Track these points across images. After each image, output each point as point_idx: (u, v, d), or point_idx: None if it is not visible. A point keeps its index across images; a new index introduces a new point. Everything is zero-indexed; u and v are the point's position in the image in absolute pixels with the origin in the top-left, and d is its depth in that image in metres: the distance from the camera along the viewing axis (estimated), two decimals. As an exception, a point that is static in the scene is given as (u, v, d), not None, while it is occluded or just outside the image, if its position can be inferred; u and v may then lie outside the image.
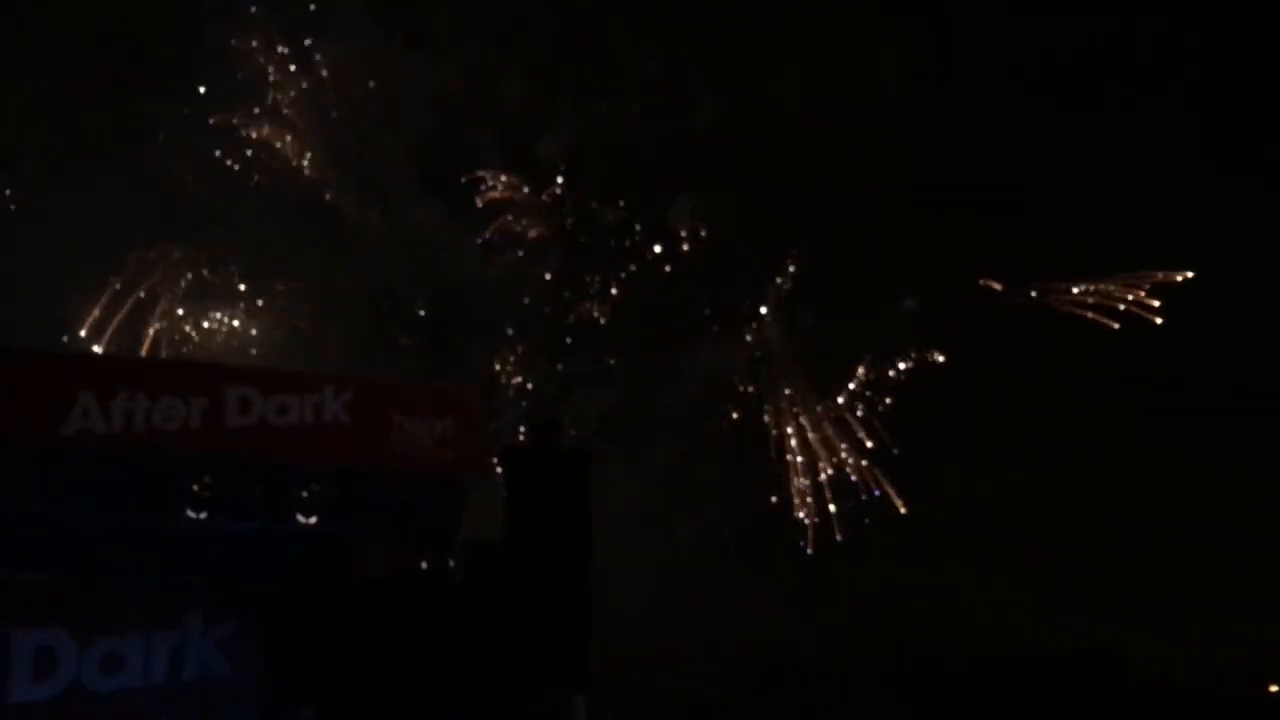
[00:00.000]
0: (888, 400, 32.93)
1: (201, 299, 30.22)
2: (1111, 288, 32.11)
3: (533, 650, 12.66)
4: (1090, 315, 32.21)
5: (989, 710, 24.69)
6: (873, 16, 32.22)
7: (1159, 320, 31.69)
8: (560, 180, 33.10)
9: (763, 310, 33.62)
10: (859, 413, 32.75)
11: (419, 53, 32.69)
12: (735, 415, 33.55)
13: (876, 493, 32.12)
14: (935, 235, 31.76)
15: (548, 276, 33.25)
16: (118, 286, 29.18)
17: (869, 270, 32.63)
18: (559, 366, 32.63)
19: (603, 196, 33.16)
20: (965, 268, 32.86)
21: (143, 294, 29.79)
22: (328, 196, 31.97)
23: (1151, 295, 31.86)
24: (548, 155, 33.12)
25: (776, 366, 33.43)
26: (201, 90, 31.41)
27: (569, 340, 33.30)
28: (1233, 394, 30.56)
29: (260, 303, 30.32)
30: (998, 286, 32.65)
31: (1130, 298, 31.99)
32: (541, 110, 32.85)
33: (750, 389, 33.48)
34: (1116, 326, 31.89)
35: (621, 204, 33.17)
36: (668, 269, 33.59)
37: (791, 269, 33.67)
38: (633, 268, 33.35)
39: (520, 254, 33.19)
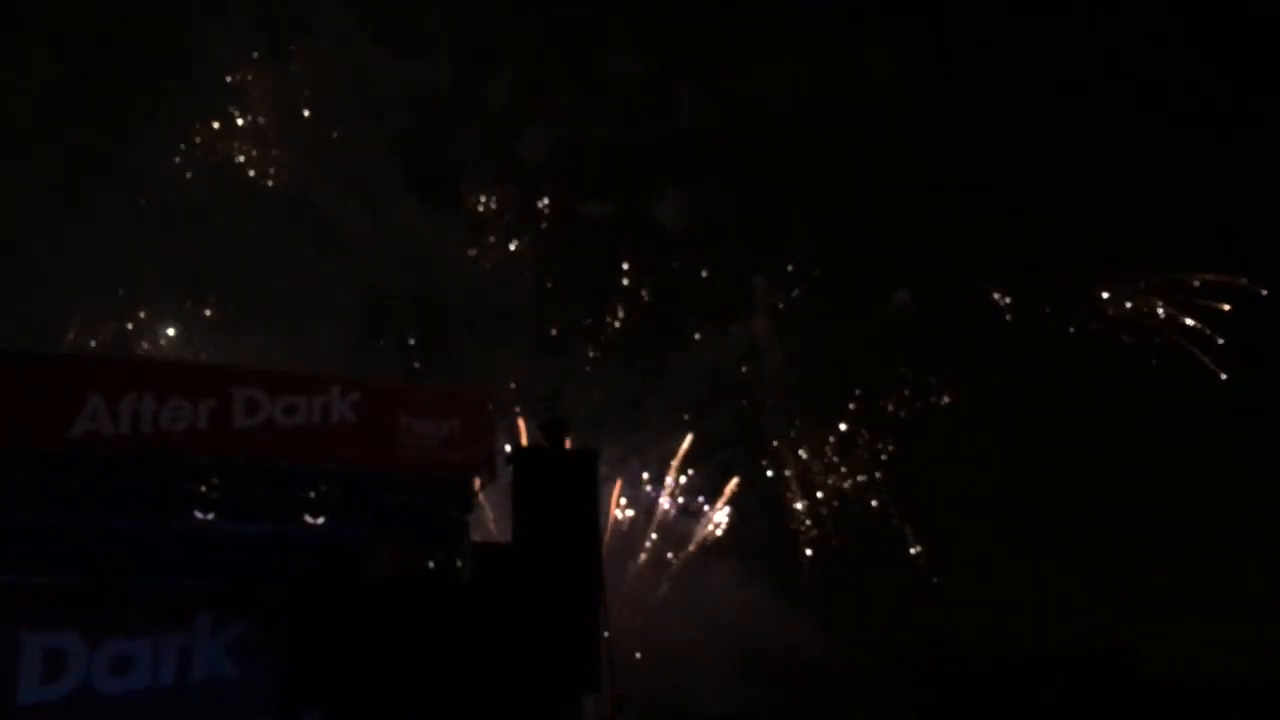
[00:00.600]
0: (889, 411, 32.76)
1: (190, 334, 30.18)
2: (1155, 301, 31.62)
3: (542, 652, 12.69)
4: (1120, 334, 31.90)
5: (999, 712, 24.60)
6: (873, 17, 32.26)
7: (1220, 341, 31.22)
8: (547, 202, 33.06)
9: (754, 310, 33.49)
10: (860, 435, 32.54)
11: (404, 53, 32.67)
12: (731, 413, 33.39)
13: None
14: (933, 237, 31.78)
15: (546, 284, 33.19)
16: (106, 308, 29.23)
17: (864, 271, 32.60)
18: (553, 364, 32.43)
19: (590, 194, 33.10)
20: (965, 268, 32.88)
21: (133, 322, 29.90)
22: (313, 201, 31.90)
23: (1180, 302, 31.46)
24: (533, 154, 33.04)
25: (770, 369, 33.28)
26: (187, 93, 31.44)
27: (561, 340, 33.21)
28: (1244, 393, 30.62)
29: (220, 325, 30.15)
30: (1004, 299, 32.36)
31: (1181, 319, 31.49)
32: (527, 110, 32.82)
33: (746, 401, 33.31)
34: (1154, 361, 31.50)
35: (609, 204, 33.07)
36: (657, 270, 33.54)
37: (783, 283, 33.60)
38: (624, 278, 33.30)
39: (509, 260, 33.17)
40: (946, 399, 32.67)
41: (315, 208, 32.17)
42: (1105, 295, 32.47)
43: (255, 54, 32.79)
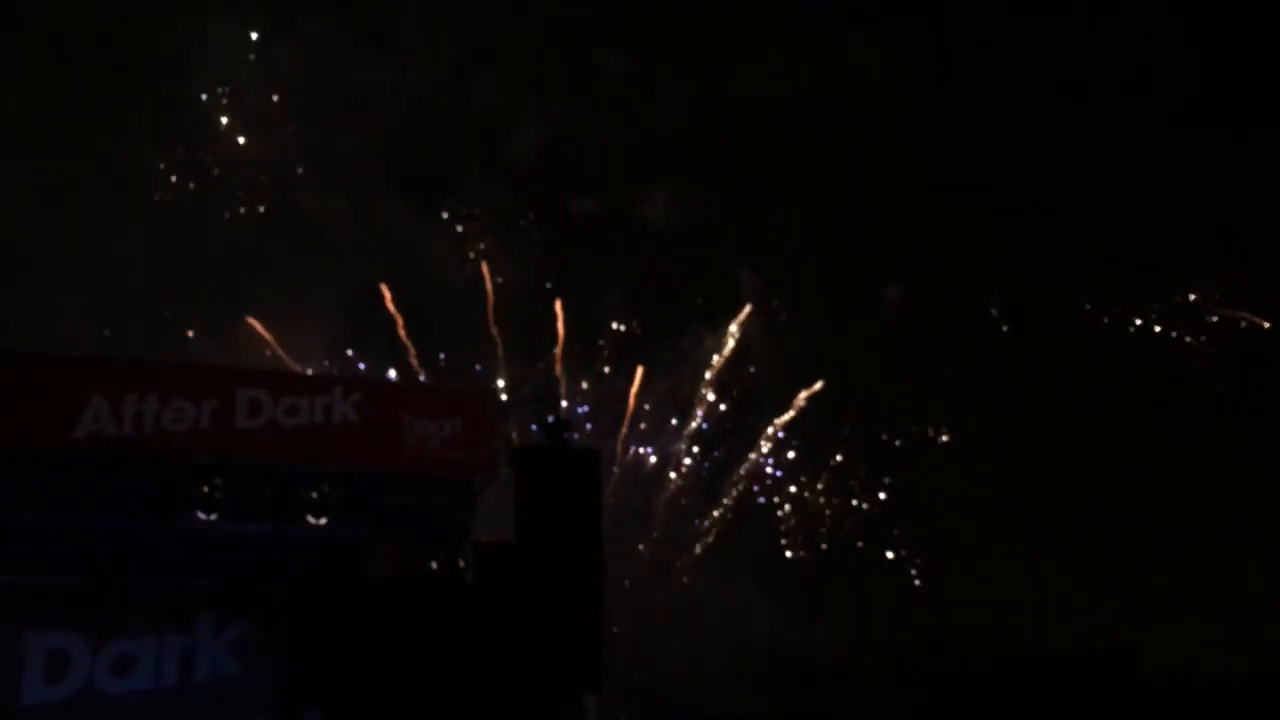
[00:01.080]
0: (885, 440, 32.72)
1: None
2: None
3: (544, 652, 12.69)
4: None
5: (999, 712, 24.53)
6: (873, 17, 32.26)
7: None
8: (536, 201, 33.03)
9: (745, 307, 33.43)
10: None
11: (391, 54, 32.69)
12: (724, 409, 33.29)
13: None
14: (933, 237, 31.76)
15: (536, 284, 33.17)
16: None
17: (862, 271, 32.57)
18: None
19: (579, 193, 33.07)
20: (964, 268, 32.85)
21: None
22: (304, 203, 31.90)
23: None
24: (522, 154, 33.02)
25: (763, 367, 33.19)
26: (182, 93, 31.46)
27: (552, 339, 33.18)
28: (1247, 391, 30.62)
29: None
30: (1003, 300, 32.26)
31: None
32: (515, 110, 32.82)
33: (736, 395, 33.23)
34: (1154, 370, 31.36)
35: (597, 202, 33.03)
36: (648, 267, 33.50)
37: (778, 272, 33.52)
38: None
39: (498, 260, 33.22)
40: (945, 438, 32.71)
41: (308, 209, 32.19)
42: (1105, 297, 32.52)
43: (247, 54, 32.80)
